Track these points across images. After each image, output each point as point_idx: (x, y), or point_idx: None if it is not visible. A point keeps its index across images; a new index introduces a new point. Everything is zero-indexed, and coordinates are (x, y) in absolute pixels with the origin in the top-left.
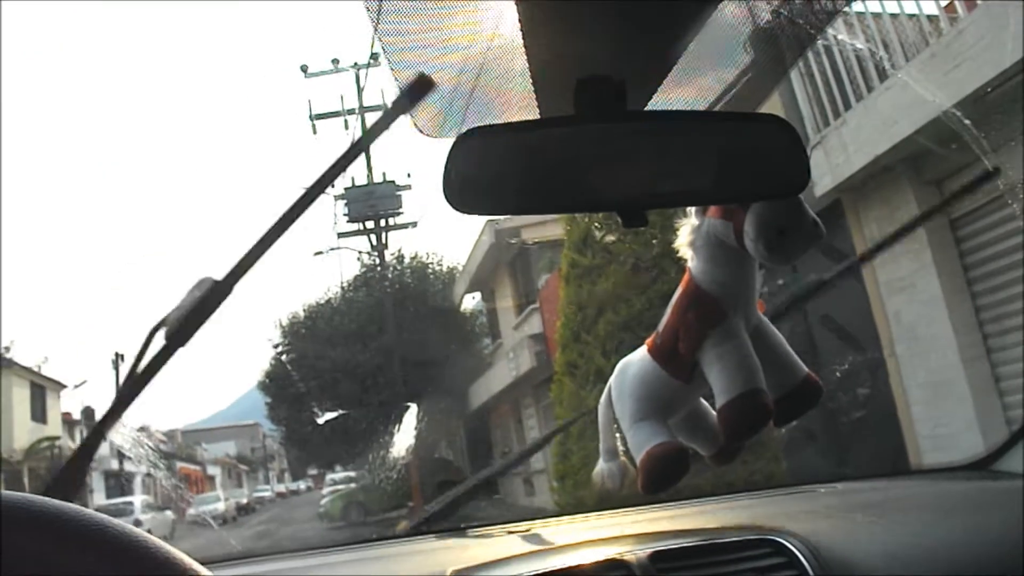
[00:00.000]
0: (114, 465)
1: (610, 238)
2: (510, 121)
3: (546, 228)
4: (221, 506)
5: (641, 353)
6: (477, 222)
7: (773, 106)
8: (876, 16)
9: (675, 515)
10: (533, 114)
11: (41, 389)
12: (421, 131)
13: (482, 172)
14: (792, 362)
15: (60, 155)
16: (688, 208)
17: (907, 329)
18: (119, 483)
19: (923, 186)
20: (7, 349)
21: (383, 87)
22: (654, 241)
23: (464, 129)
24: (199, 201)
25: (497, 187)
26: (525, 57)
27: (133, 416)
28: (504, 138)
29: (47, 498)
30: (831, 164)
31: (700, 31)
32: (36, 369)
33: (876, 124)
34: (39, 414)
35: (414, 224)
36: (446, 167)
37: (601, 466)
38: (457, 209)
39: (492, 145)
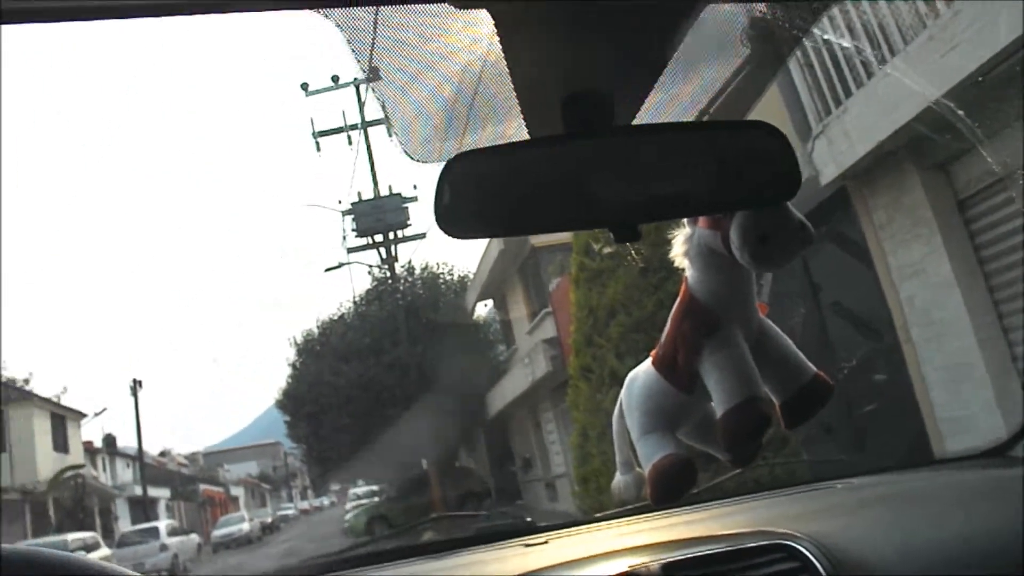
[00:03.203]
0: (137, 491)
1: (608, 250)
2: (498, 144)
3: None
4: (246, 526)
5: (646, 366)
6: None
7: (772, 98)
8: (872, 0)
9: (691, 519)
10: (521, 134)
11: (62, 419)
12: (411, 156)
13: (473, 196)
14: (799, 362)
15: (73, 183)
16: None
17: (921, 314)
18: (143, 509)
19: (928, 170)
20: (26, 381)
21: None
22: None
23: (452, 153)
24: (210, 224)
25: (489, 210)
26: (510, 78)
27: (154, 441)
28: (493, 161)
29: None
30: (834, 153)
31: (685, 38)
32: (56, 399)
33: (877, 110)
34: (61, 444)
35: (423, 236)
36: (437, 193)
37: (618, 478)
38: (451, 235)
39: (482, 168)
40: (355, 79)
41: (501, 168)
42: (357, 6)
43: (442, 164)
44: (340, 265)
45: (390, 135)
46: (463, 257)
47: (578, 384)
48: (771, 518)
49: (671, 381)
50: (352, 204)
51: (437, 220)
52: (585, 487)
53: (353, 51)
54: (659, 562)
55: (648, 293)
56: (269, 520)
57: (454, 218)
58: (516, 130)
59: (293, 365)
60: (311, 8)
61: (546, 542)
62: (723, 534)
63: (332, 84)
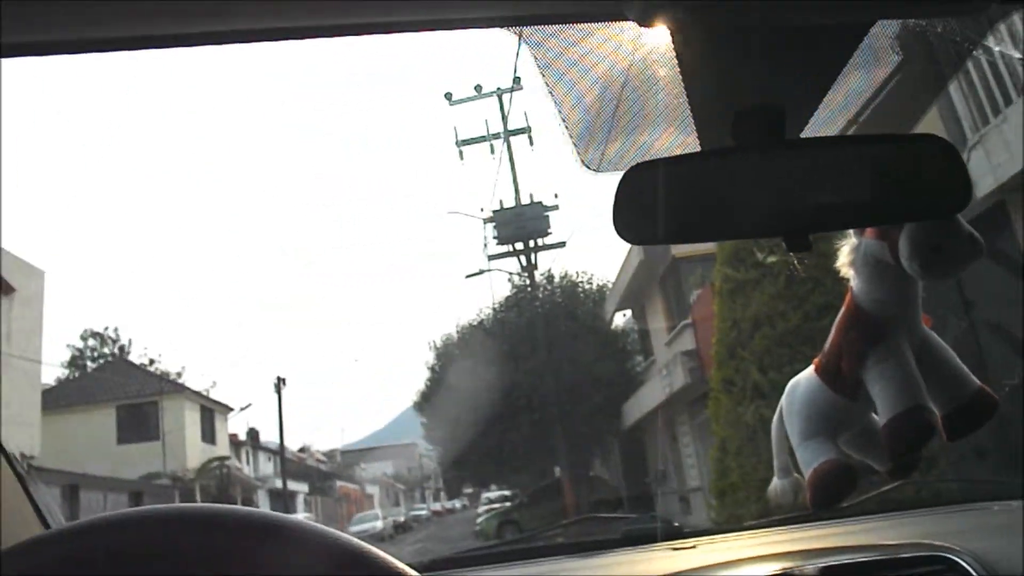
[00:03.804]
0: (278, 484)
1: (771, 259)
2: (673, 155)
3: (696, 244)
4: (379, 524)
5: (809, 372)
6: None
7: (928, 109)
8: None
9: (843, 532)
10: (693, 145)
11: (210, 412)
12: (587, 166)
13: (650, 205)
14: (962, 375)
15: (228, 188)
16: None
17: None
18: (283, 501)
19: None
20: (179, 374)
21: (526, 111)
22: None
23: (621, 160)
24: (355, 228)
25: (665, 218)
26: (684, 89)
27: (295, 437)
28: (669, 171)
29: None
30: (992, 164)
31: (854, 54)
32: (205, 393)
33: None
34: (208, 435)
35: (563, 244)
36: (616, 200)
37: (775, 483)
38: (628, 240)
39: (659, 178)
40: (498, 88)
41: (677, 178)
42: (545, 24)
43: (619, 174)
44: (481, 272)
45: (532, 145)
46: (603, 266)
47: (719, 396)
48: (927, 533)
49: (834, 388)
50: (494, 212)
51: (616, 226)
52: (722, 501)
53: (537, 63)
54: (816, 565)
55: (793, 306)
56: (402, 519)
57: (631, 224)
58: (688, 142)
59: (432, 368)
60: (498, 26)
61: (694, 547)
62: (879, 544)
63: (476, 93)
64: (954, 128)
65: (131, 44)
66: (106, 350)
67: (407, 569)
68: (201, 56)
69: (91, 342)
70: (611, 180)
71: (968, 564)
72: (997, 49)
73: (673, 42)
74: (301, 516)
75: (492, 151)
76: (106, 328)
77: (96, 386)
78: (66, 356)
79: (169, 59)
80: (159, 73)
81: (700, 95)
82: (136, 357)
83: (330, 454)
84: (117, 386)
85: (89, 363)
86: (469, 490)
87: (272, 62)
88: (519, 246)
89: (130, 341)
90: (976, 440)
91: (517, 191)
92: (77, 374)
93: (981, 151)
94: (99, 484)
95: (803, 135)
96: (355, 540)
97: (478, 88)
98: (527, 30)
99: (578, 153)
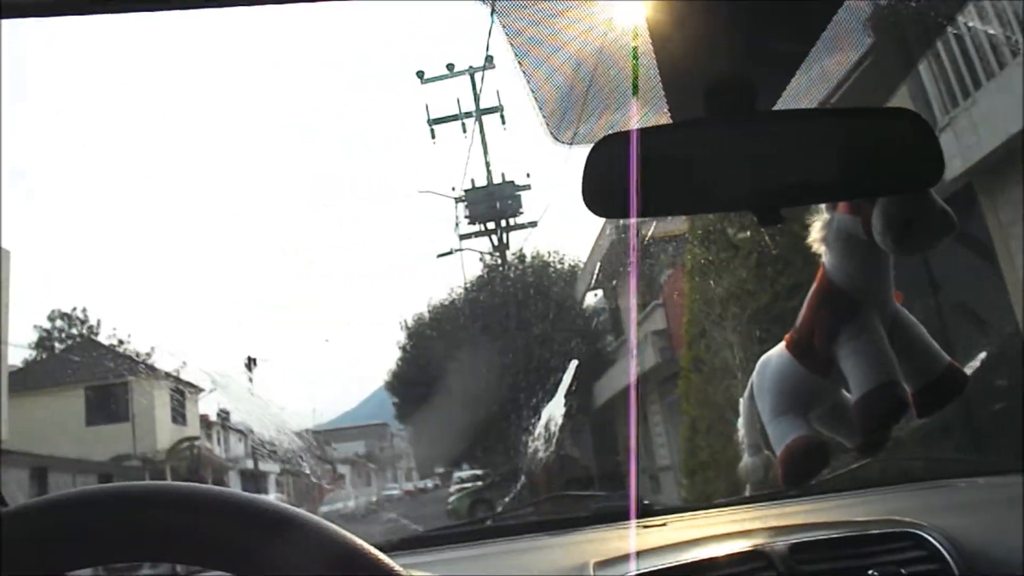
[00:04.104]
0: (249, 465)
1: (743, 235)
2: (643, 127)
3: (668, 224)
4: (351, 504)
5: (780, 349)
6: (597, 220)
7: (898, 89)
8: None
9: (812, 509)
10: (664, 118)
11: (180, 393)
12: (557, 139)
13: (619, 177)
14: (934, 352)
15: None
16: (819, 204)
17: None
18: (254, 482)
19: None
20: (148, 355)
21: (498, 89)
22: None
23: (593, 134)
24: (323, 206)
25: (634, 191)
26: (655, 60)
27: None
28: (638, 142)
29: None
30: (961, 146)
31: (826, 27)
32: (175, 374)
33: (1009, 103)
34: (179, 416)
35: (534, 224)
36: (585, 173)
37: (745, 460)
38: (597, 213)
39: (628, 150)
40: (470, 67)
41: (647, 150)
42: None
43: (588, 147)
44: (452, 251)
45: (504, 124)
46: (574, 246)
47: (690, 376)
48: (896, 510)
49: (805, 364)
50: (465, 191)
51: (584, 200)
52: (692, 479)
53: (507, 35)
54: (786, 542)
55: (764, 286)
56: (374, 499)
57: (601, 198)
58: (659, 115)
59: (403, 348)
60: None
61: (664, 524)
62: (848, 520)
63: (448, 72)
64: (924, 110)
65: None
66: (74, 331)
67: (403, 571)
68: (164, 22)
69: (59, 323)
70: (583, 158)
71: (936, 540)
72: (968, 29)
73: (644, 14)
74: (273, 496)
75: (464, 130)
76: (74, 309)
77: (64, 367)
78: (33, 337)
79: (133, 25)
80: (115, 40)
81: (671, 67)
82: (105, 338)
83: (302, 434)
84: (86, 367)
85: (57, 344)
86: (441, 470)
87: (237, 33)
88: (491, 226)
89: (99, 322)
90: (942, 418)
91: (489, 171)
92: (45, 355)
93: (950, 133)
94: (68, 466)
95: (775, 109)
96: (357, 540)
97: (450, 67)
98: (499, 4)
99: (549, 127)
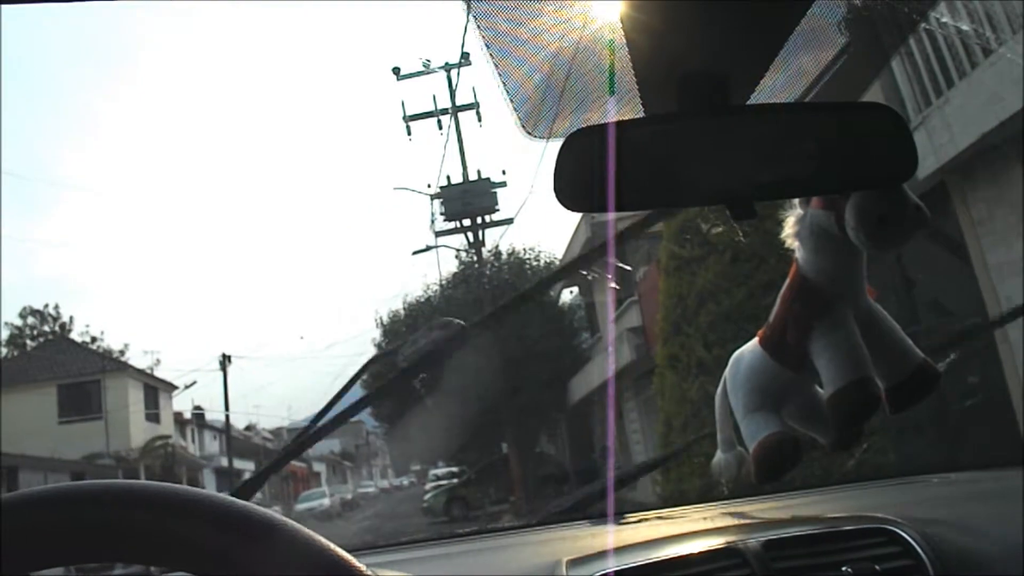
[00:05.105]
0: (224, 463)
1: (717, 230)
2: (615, 120)
3: (644, 219)
4: (327, 502)
5: (753, 344)
6: (573, 216)
7: (871, 88)
8: None
9: (786, 505)
10: (636, 111)
11: (154, 390)
12: (528, 133)
13: (591, 171)
14: (907, 348)
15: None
16: (792, 199)
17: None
18: (228, 480)
19: None
20: (122, 352)
21: (475, 86)
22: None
23: (567, 129)
24: (297, 203)
25: (606, 184)
26: (628, 55)
27: (241, 415)
28: (611, 137)
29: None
30: (934, 145)
31: (800, 21)
32: (149, 371)
33: (981, 102)
34: (152, 414)
35: (510, 221)
36: (556, 167)
37: (719, 456)
38: (568, 208)
39: (600, 144)
40: (446, 63)
41: (619, 143)
42: None
43: (560, 141)
44: (428, 248)
45: (480, 121)
46: (549, 243)
47: (664, 373)
48: (869, 506)
49: (779, 360)
50: (441, 188)
51: (556, 194)
52: (667, 476)
53: (479, 27)
54: (759, 539)
55: (738, 283)
56: (349, 497)
57: (572, 193)
58: (633, 109)
59: (378, 345)
60: None
61: (639, 521)
62: (823, 517)
63: (424, 68)
64: (898, 109)
65: None
66: (46, 328)
67: (370, 573)
68: (138, 16)
69: (31, 320)
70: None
71: (909, 536)
72: (940, 27)
73: (618, 8)
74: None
75: (440, 127)
76: (46, 305)
77: (36, 365)
78: (4, 335)
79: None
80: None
81: (644, 61)
82: (77, 335)
83: (277, 432)
84: (58, 364)
85: (28, 341)
86: (416, 467)
87: (210, 27)
88: (466, 223)
89: (71, 319)
90: (915, 414)
91: (465, 167)
92: (16, 353)
93: (923, 132)
94: (40, 465)
95: (749, 103)
96: (340, 551)
97: (426, 64)
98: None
99: (521, 122)
